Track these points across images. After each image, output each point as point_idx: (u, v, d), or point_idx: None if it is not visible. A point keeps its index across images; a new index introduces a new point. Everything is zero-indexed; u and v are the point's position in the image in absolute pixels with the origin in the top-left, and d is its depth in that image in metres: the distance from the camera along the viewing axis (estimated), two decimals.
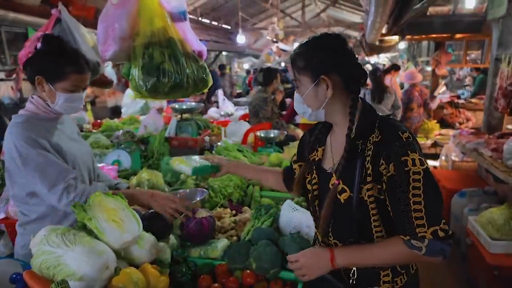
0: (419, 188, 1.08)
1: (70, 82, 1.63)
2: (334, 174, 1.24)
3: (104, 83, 2.92)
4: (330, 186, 1.24)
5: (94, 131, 4.12)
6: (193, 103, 3.86)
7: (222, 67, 11.13)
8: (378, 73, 5.59)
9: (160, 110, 4.80)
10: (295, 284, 1.55)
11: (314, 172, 1.33)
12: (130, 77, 1.78)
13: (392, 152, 1.11)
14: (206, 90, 1.96)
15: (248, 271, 1.57)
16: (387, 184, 1.13)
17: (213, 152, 2.95)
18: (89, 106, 5.61)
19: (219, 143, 3.19)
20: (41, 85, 1.63)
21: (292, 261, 1.30)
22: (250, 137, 3.99)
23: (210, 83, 1.93)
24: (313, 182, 1.34)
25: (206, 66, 1.92)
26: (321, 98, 1.22)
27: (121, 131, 3.35)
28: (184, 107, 3.54)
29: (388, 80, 6.31)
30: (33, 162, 1.56)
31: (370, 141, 1.17)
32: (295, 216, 1.88)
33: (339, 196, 1.20)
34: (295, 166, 1.54)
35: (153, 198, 1.75)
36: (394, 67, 6.89)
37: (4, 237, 2.49)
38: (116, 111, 6.34)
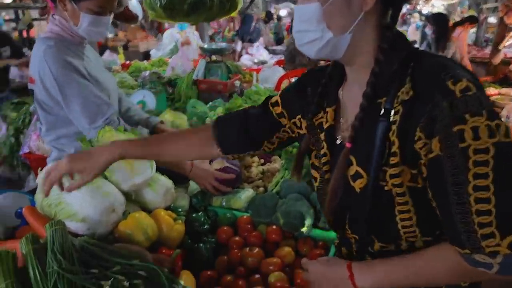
0: (486, 177, 0.66)
1: (96, 2, 1.43)
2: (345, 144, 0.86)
3: (128, 17, 2.69)
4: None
5: (122, 72, 3.99)
6: (224, 44, 3.57)
7: (269, 14, 10.41)
8: (443, 18, 4.97)
9: (186, 44, 4.53)
10: (327, 247, 1.34)
11: (325, 144, 0.91)
12: None
13: (436, 117, 0.69)
14: (235, 14, 1.67)
15: (274, 226, 1.38)
16: (430, 170, 0.73)
17: (243, 96, 2.71)
18: (121, 50, 5.47)
19: (249, 88, 2.93)
20: (63, 2, 1.44)
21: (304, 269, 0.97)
22: (284, 84, 3.71)
23: (240, 5, 1.64)
24: (323, 160, 0.92)
25: None
26: (355, 12, 0.76)
27: (148, 72, 3.17)
28: (214, 47, 3.27)
29: (457, 32, 5.55)
30: (72, 91, 1.41)
31: (398, 98, 0.75)
32: None
33: (352, 183, 0.83)
34: (276, 109, 1.04)
35: (192, 172, 1.53)
36: (470, 19, 5.95)
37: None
38: (147, 56, 6.17)
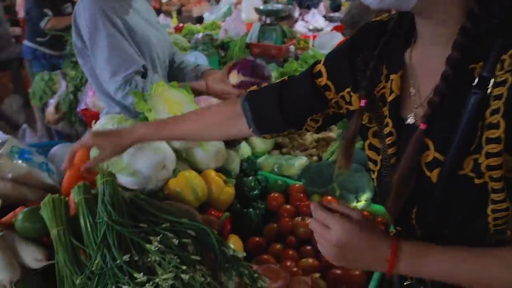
0: None
1: None
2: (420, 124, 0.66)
3: None
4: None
5: (175, 34, 3.97)
6: (280, 5, 3.39)
7: None
8: None
9: (238, 4, 4.38)
10: (386, 223, 1.23)
11: (389, 122, 0.72)
12: None
13: None
14: None
15: (329, 197, 1.29)
16: None
17: (299, 61, 2.56)
18: (174, 14, 5.46)
19: (306, 52, 2.77)
20: None
21: (321, 223, 0.68)
22: None
23: None
24: (388, 142, 0.72)
25: None
26: None
27: (200, 34, 3.10)
28: (270, 8, 3.10)
29: None
30: (100, 40, 1.39)
31: (504, 63, 0.57)
32: None
33: (428, 172, 0.66)
34: (320, 81, 0.84)
35: (208, 89, 1.55)
36: None
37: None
38: (200, 21, 6.12)
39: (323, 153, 1.70)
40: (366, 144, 0.79)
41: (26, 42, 3.48)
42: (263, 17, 3.04)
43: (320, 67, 0.84)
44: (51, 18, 3.30)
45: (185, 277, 0.66)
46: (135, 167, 1.06)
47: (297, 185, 1.38)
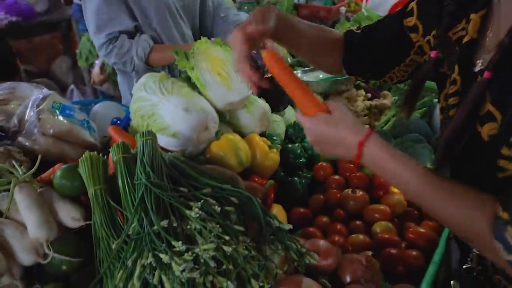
0: None
1: None
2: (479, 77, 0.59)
3: None
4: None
5: None
6: None
7: None
8: None
9: None
10: None
11: (456, 68, 0.65)
12: None
13: None
14: None
15: None
16: None
17: (351, 21, 2.36)
18: None
19: (359, 12, 2.54)
20: None
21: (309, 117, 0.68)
22: None
23: None
24: (451, 90, 0.66)
25: None
26: None
27: None
28: None
29: None
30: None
31: None
32: None
33: (479, 128, 0.59)
34: (409, 21, 0.78)
35: None
36: None
37: None
38: None
39: (376, 122, 1.56)
40: (443, 95, 0.72)
41: (76, 1, 3.48)
42: None
43: (413, 4, 0.79)
44: None
45: (227, 249, 0.59)
46: (177, 128, 0.99)
47: None
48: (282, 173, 1.20)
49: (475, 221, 0.57)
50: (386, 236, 0.97)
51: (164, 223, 0.62)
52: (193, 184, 0.76)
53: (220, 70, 1.12)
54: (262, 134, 1.21)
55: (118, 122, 1.21)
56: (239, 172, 1.04)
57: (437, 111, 1.38)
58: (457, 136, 0.60)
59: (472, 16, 0.64)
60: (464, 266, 0.77)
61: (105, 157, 0.84)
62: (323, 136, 0.68)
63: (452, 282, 0.78)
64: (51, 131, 1.05)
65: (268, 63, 0.73)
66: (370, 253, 0.90)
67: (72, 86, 3.45)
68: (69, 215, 0.76)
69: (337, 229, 1.03)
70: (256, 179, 1.06)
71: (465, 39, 0.64)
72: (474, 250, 0.74)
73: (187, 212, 0.67)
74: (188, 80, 1.18)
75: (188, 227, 0.64)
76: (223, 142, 1.04)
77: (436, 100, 1.46)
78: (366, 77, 0.93)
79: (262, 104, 1.21)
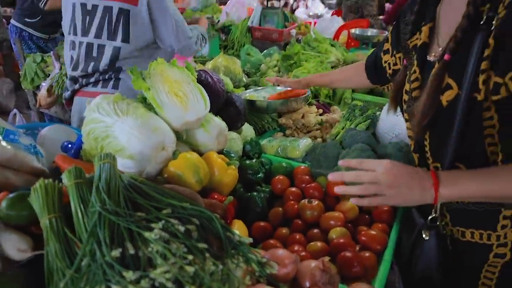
0: None
1: None
2: (437, 63, 0.82)
3: None
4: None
5: None
6: None
7: None
8: None
9: None
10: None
11: (415, 63, 0.91)
12: None
13: None
14: None
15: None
16: None
17: (301, 43, 2.48)
18: None
19: (308, 34, 2.68)
20: None
21: (364, 169, 0.81)
22: (343, 36, 3.38)
23: None
24: (412, 78, 0.91)
25: None
26: None
27: None
28: None
29: None
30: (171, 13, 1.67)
31: (505, 2, 0.73)
32: (399, 123, 1.42)
33: (440, 96, 0.80)
34: (386, 58, 1.14)
35: None
36: None
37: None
38: None
39: (327, 134, 1.64)
40: (404, 90, 0.96)
41: (13, 22, 3.33)
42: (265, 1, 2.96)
43: (389, 34, 1.12)
44: None
45: (190, 269, 0.59)
46: (133, 149, 0.99)
47: (302, 167, 1.32)
48: (242, 189, 1.23)
49: None
50: (342, 241, 1.03)
51: (117, 252, 0.60)
52: (154, 205, 0.76)
53: (176, 91, 1.13)
54: (220, 152, 1.23)
55: (69, 145, 1.16)
56: (198, 190, 1.05)
57: (380, 123, 1.49)
58: (429, 105, 0.80)
59: (423, 28, 0.90)
60: (429, 217, 0.92)
61: (61, 184, 0.81)
62: (403, 178, 0.77)
63: (422, 231, 0.93)
64: None
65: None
66: (327, 258, 0.94)
67: (15, 110, 3.25)
68: (15, 247, 0.72)
69: (296, 239, 1.07)
70: (216, 196, 1.08)
71: (420, 42, 0.90)
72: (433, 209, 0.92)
73: (147, 234, 0.66)
74: (144, 101, 1.18)
75: (150, 249, 0.63)
76: (180, 161, 1.04)
77: (379, 113, 1.58)
78: (383, 84, 1.29)
79: (218, 123, 1.24)
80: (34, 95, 3.11)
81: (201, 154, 1.15)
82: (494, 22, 0.73)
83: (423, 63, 0.89)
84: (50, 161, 1.14)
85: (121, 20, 1.59)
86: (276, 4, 3.10)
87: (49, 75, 2.91)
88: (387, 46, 1.13)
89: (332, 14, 4.68)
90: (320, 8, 6.60)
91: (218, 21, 2.96)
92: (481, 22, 0.74)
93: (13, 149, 1.01)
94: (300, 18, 5.35)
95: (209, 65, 2.18)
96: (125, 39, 1.62)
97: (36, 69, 2.99)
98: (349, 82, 1.42)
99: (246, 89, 1.97)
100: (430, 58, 0.88)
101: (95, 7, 1.62)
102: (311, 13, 6.37)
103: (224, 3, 5.75)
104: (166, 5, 1.62)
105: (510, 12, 0.70)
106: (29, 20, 3.31)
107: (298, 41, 3.08)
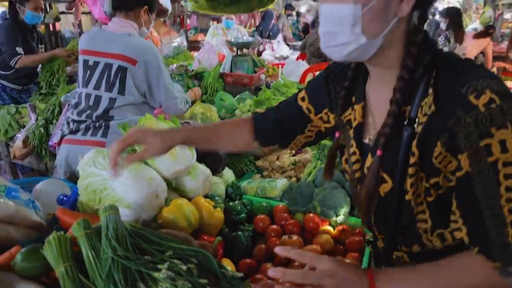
0: None
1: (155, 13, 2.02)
2: (370, 152, 0.86)
3: (159, 11, 2.69)
4: (365, 170, 0.86)
5: None
6: (250, 38, 3.57)
7: (289, 7, 10.19)
8: (455, 10, 4.93)
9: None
10: (363, 234, 1.33)
11: (353, 143, 0.90)
12: None
13: (458, 133, 0.69)
14: (272, 7, 1.67)
15: (311, 214, 1.37)
16: (460, 187, 0.73)
17: (270, 88, 2.69)
18: None
19: (276, 80, 2.92)
20: (146, 13, 1.93)
21: (317, 274, 0.77)
22: (309, 78, 3.67)
23: None
24: (353, 160, 0.90)
25: None
26: (389, 17, 0.74)
27: (175, 65, 3.19)
28: (241, 41, 3.26)
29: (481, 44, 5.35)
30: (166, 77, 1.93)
31: (422, 108, 0.75)
32: None
33: (379, 188, 0.83)
34: (304, 104, 1.03)
35: None
36: (488, 31, 5.63)
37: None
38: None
39: (300, 174, 1.80)
40: (343, 159, 0.99)
41: None
42: (235, 49, 3.19)
43: (303, 93, 1.04)
44: (22, 56, 3.24)
45: None
46: (130, 199, 1.09)
47: (280, 205, 1.45)
48: (227, 229, 1.33)
49: (482, 282, 0.73)
50: None
51: None
52: (157, 248, 0.86)
53: None
54: (205, 196, 1.35)
55: (65, 198, 1.25)
56: (189, 233, 1.15)
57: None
58: (370, 198, 0.81)
59: (356, 107, 0.89)
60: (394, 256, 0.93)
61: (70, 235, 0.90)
62: (341, 274, 0.75)
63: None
64: None
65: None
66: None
67: None
68: None
69: None
70: (205, 237, 1.18)
71: (356, 123, 0.89)
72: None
73: (156, 274, 0.77)
74: (134, 152, 1.30)
75: (159, 287, 0.74)
76: (172, 207, 1.16)
77: None
78: (277, 144, 1.10)
79: (204, 169, 1.37)
80: (6, 146, 3.10)
81: (189, 199, 1.26)
82: (416, 126, 0.75)
83: (361, 145, 0.89)
84: (45, 213, 1.22)
85: (119, 76, 1.77)
86: (245, 50, 3.32)
87: (24, 126, 2.95)
88: (304, 104, 1.03)
89: (297, 59, 5.02)
90: (286, 50, 6.93)
91: (193, 70, 3.14)
92: (405, 123, 0.77)
93: (14, 205, 1.09)
94: (267, 60, 5.68)
95: (186, 113, 2.32)
96: (121, 92, 1.80)
97: (10, 121, 3.01)
98: (235, 144, 1.13)
99: None
100: (366, 140, 0.89)
101: (96, 63, 1.81)
102: (277, 55, 6.68)
103: (195, 49, 6.01)
104: (161, 69, 1.82)
105: (429, 124, 0.73)
106: (3, 73, 3.37)
107: (267, 85, 3.32)
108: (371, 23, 0.73)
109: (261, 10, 1.65)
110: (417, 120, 0.76)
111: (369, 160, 0.85)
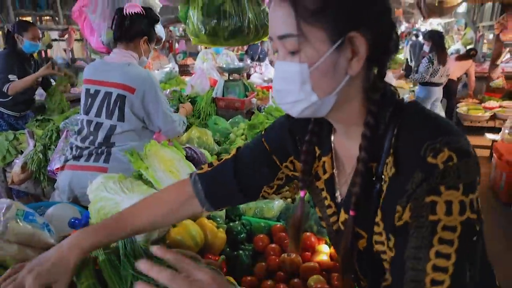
0: (448, 257, 0.63)
1: (154, 43, 2.12)
2: (342, 208, 0.83)
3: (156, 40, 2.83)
4: (340, 224, 0.84)
5: None
6: (241, 63, 3.72)
7: None
8: (438, 33, 5.20)
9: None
10: None
11: (327, 196, 0.87)
12: (187, 20, 1.66)
13: (412, 190, 0.66)
14: (266, 39, 1.82)
15: (308, 233, 1.47)
16: (397, 236, 0.71)
17: (262, 112, 2.82)
18: None
19: (267, 105, 3.05)
20: (145, 43, 2.02)
21: (182, 271, 0.75)
22: None
23: None
24: (329, 213, 0.88)
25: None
26: (340, 74, 0.70)
27: (168, 90, 3.30)
28: (232, 67, 3.41)
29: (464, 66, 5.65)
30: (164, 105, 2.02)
31: (387, 166, 0.72)
32: None
33: (357, 243, 0.82)
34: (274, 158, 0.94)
35: None
36: (469, 54, 5.95)
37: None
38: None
39: (295, 195, 1.90)
40: (316, 209, 0.95)
41: None
42: (226, 74, 3.33)
43: (265, 144, 0.95)
44: (13, 82, 3.30)
45: None
46: None
47: (278, 225, 1.54)
48: (228, 248, 1.42)
49: None
50: (319, 286, 1.24)
51: None
52: (169, 264, 0.94)
53: (170, 167, 1.36)
54: (208, 217, 1.44)
55: (77, 222, 1.32)
56: (195, 252, 1.23)
57: None
58: (349, 252, 0.78)
59: (324, 159, 0.85)
60: None
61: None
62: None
63: None
64: (16, 238, 1.14)
65: None
66: None
67: None
68: None
69: None
70: (210, 256, 1.26)
71: (326, 176, 0.85)
72: None
73: None
74: (139, 177, 1.39)
75: None
76: (180, 228, 1.24)
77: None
78: (236, 204, 1.04)
79: None
80: (4, 172, 3.13)
81: (194, 220, 1.35)
82: (383, 184, 0.72)
83: (334, 198, 0.86)
84: (57, 236, 1.29)
85: (118, 104, 1.87)
86: (235, 75, 3.46)
87: (22, 152, 3.00)
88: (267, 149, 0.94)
89: None
90: (273, 73, 7.08)
91: (187, 95, 3.26)
92: (373, 178, 0.74)
93: (32, 228, 1.16)
94: (256, 83, 5.84)
95: (183, 138, 2.42)
96: (120, 119, 1.88)
97: (8, 147, 3.06)
98: (168, 218, 1.02)
99: (218, 157, 2.22)
100: (337, 194, 0.85)
101: (97, 91, 1.92)
102: (265, 78, 6.82)
103: (185, 74, 6.15)
104: (158, 96, 1.93)
105: (391, 185, 0.71)
106: (1, 100, 3.43)
107: (259, 109, 3.45)
108: (321, 82, 0.70)
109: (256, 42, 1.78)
110: (383, 177, 0.72)
111: (342, 216, 0.83)
